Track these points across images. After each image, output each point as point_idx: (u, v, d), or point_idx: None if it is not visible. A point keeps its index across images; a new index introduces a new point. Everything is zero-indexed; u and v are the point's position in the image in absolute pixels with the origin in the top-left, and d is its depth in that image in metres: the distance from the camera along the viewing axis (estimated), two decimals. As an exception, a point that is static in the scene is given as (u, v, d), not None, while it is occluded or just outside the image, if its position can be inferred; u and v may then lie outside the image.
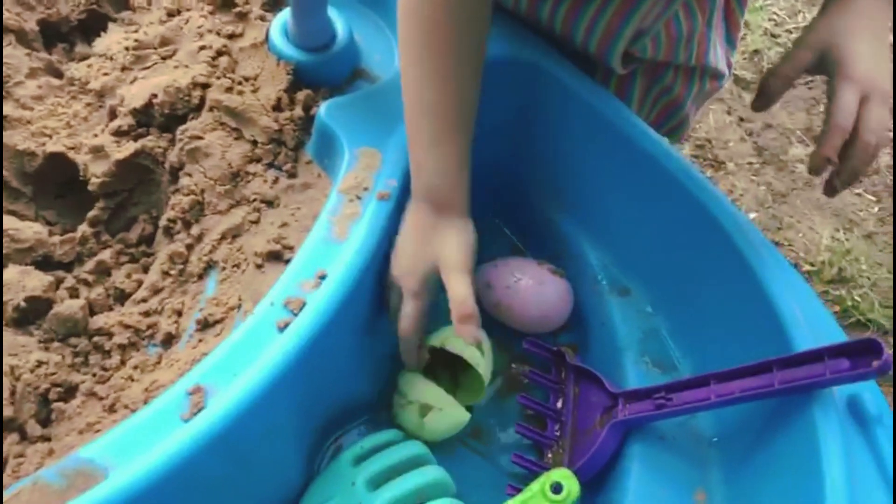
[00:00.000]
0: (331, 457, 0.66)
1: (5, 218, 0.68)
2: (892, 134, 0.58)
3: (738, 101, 1.55)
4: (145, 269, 0.70)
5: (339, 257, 0.58)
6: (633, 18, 0.72)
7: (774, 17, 1.70)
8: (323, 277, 0.57)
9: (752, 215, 1.39)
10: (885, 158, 1.50)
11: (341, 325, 0.56)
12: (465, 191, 0.64)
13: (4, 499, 0.47)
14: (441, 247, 0.62)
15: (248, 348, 0.54)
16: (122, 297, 0.68)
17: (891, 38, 0.63)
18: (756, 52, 1.63)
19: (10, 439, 0.57)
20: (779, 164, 1.48)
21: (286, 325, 0.55)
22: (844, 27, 0.62)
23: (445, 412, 0.65)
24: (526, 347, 0.72)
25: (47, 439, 0.58)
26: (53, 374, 0.60)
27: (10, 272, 0.64)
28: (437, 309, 0.65)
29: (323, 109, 0.67)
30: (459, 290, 0.59)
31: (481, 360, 0.67)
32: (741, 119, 1.53)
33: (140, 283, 0.69)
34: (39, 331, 0.64)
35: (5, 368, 0.59)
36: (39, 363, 0.60)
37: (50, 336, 0.63)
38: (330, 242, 0.59)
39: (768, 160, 1.48)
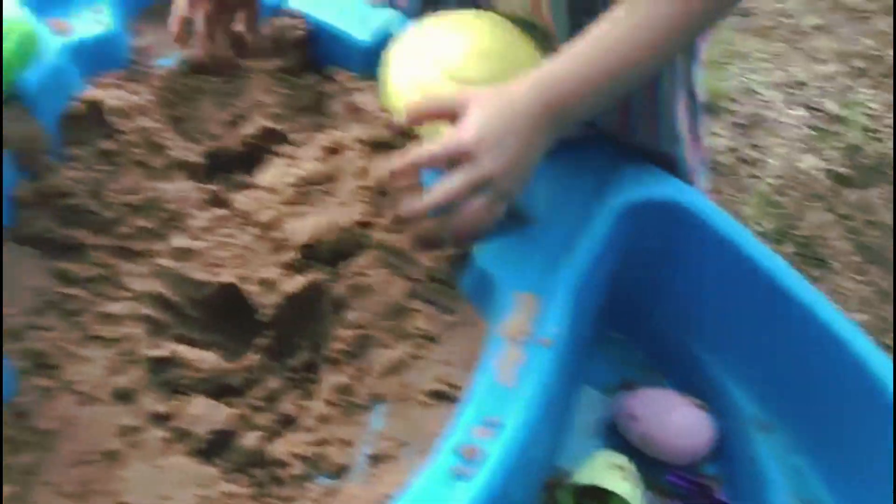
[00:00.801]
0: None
1: (187, 348, 0.74)
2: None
3: (839, 198, 1.56)
4: (308, 396, 0.75)
5: (511, 406, 0.61)
6: None
7: (870, 111, 1.71)
8: (495, 425, 0.61)
9: (860, 317, 1.39)
10: None
11: (516, 475, 0.60)
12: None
13: None
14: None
15: (430, 496, 0.57)
16: (288, 423, 0.73)
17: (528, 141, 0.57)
18: (854, 147, 1.64)
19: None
20: (883, 262, 1.47)
21: (463, 475, 0.58)
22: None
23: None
24: (671, 480, 0.74)
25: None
26: (239, 506, 0.65)
27: (199, 405, 0.69)
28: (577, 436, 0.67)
29: (480, 251, 0.71)
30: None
31: (634, 494, 0.69)
32: (842, 216, 1.53)
33: (304, 409, 0.73)
34: (221, 461, 0.68)
35: (195, 500, 0.64)
36: (225, 495, 0.65)
37: (232, 466, 0.68)
38: (498, 388, 0.63)
39: (872, 259, 1.48)
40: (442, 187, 0.54)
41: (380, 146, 0.82)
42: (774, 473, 0.71)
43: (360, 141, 0.82)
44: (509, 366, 0.64)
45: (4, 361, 0.70)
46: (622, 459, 0.73)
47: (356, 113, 0.85)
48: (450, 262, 0.74)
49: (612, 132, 0.79)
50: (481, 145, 0.53)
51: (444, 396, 0.67)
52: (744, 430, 0.75)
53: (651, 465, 0.76)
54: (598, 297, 0.75)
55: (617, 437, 0.78)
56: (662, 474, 0.75)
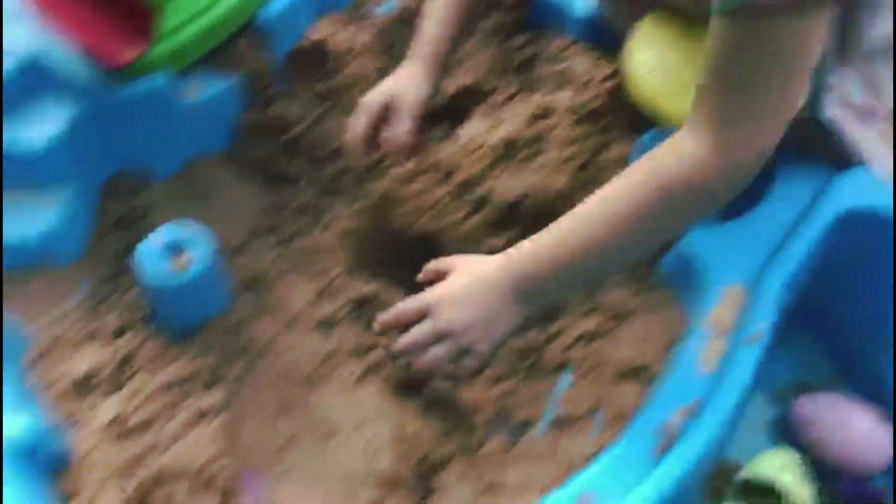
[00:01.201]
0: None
1: (385, 288, 0.78)
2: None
3: None
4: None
5: (710, 394, 0.62)
6: None
7: None
8: (693, 410, 0.62)
9: None
10: None
11: (706, 458, 0.61)
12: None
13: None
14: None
15: (628, 466, 0.59)
16: (476, 373, 0.76)
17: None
18: None
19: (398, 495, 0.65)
20: None
21: (661, 453, 0.60)
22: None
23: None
24: (844, 490, 0.74)
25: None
26: (429, 441, 0.68)
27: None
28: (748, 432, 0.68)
29: (689, 237, 0.71)
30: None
31: (805, 497, 0.70)
32: None
33: (492, 362, 0.76)
34: (414, 399, 0.72)
35: (389, 432, 0.68)
36: (415, 432, 0.69)
37: (424, 406, 0.71)
38: (698, 374, 0.64)
39: None
40: (408, 335, 0.63)
41: (588, 116, 0.82)
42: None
43: (569, 109, 0.83)
44: (712, 355, 0.64)
45: (224, 278, 0.75)
46: (796, 460, 0.73)
47: (566, 79, 0.86)
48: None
49: None
50: (442, 305, 0.62)
51: (636, 373, 0.69)
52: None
53: (823, 471, 0.76)
54: (796, 297, 0.74)
55: (789, 438, 0.78)
56: (835, 482, 0.75)
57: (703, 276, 0.69)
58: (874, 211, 0.74)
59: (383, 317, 0.65)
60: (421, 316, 0.63)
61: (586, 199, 0.62)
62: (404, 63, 0.79)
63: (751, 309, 0.67)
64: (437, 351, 0.61)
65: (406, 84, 0.77)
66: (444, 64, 0.80)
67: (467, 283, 0.63)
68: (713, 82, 0.57)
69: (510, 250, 0.64)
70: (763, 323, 0.66)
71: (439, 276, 0.65)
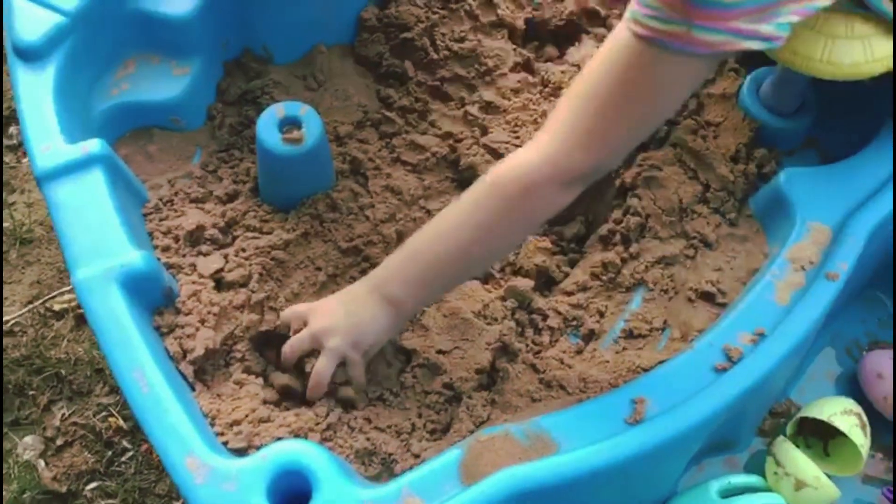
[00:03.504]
0: (690, 480, 0.74)
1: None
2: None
3: None
4: (571, 264, 0.80)
5: (781, 322, 0.64)
6: None
7: None
8: (761, 335, 0.63)
9: None
10: None
11: (764, 385, 0.63)
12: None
13: (484, 438, 0.58)
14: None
15: (686, 378, 0.62)
16: (550, 283, 0.79)
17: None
18: None
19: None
20: None
21: (724, 370, 0.62)
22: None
23: (820, 491, 0.69)
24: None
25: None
26: (505, 336, 0.72)
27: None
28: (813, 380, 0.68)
29: (784, 176, 0.72)
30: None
31: (864, 444, 0.71)
32: None
33: (566, 275, 0.79)
34: (494, 288, 0.76)
35: (476, 308, 0.72)
36: (493, 317, 0.73)
37: (500, 301, 0.75)
38: (771, 304, 0.65)
39: None
40: (288, 344, 0.69)
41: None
42: None
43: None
44: (787, 287, 0.66)
45: (330, 160, 0.79)
46: (856, 409, 0.73)
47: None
48: (744, 176, 0.75)
49: None
50: (313, 312, 0.70)
51: (711, 298, 0.70)
52: None
53: (883, 426, 0.76)
54: (879, 249, 0.74)
55: (856, 392, 0.79)
56: (889, 436, 0.75)
57: (792, 210, 0.70)
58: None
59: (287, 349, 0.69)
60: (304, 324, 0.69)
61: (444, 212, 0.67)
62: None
63: (833, 249, 0.67)
64: (320, 363, 0.67)
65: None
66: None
67: (340, 297, 0.70)
68: (580, 101, 0.60)
69: (377, 269, 0.69)
70: (843, 264, 0.66)
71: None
